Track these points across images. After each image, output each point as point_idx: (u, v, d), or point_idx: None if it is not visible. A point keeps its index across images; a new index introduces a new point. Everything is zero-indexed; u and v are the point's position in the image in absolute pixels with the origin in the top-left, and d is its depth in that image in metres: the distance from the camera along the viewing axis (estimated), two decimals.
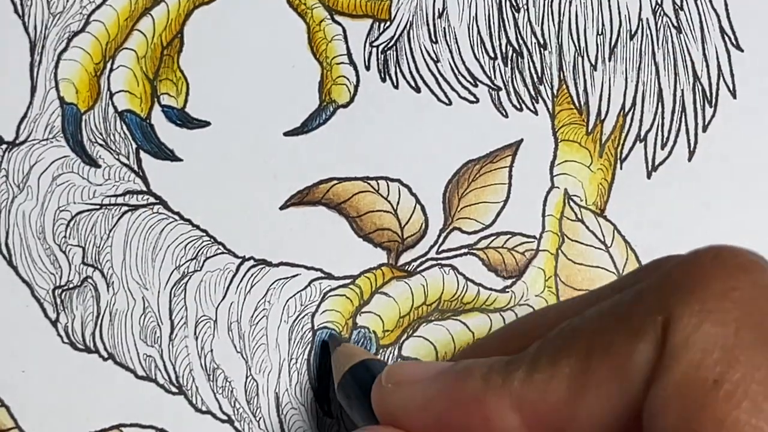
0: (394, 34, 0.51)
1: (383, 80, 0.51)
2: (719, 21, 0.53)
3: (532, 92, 0.52)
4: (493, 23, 0.52)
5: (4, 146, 0.49)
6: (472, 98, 0.52)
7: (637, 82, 0.52)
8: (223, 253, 0.50)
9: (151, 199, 0.50)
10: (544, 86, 0.52)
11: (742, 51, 0.53)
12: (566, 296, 0.51)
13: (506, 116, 0.52)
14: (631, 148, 0.52)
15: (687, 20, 0.53)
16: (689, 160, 0.53)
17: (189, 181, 0.50)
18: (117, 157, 0.50)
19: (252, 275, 0.50)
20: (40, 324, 0.49)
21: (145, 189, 0.50)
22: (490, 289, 0.51)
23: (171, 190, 0.50)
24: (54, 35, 0.50)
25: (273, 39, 0.51)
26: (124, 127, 0.50)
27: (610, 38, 0.52)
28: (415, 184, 0.51)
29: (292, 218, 0.50)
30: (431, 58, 0.51)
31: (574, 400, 0.29)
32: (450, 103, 0.52)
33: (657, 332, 0.27)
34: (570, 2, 0.52)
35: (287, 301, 0.50)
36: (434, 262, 0.51)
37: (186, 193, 0.50)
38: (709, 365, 0.26)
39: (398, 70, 0.51)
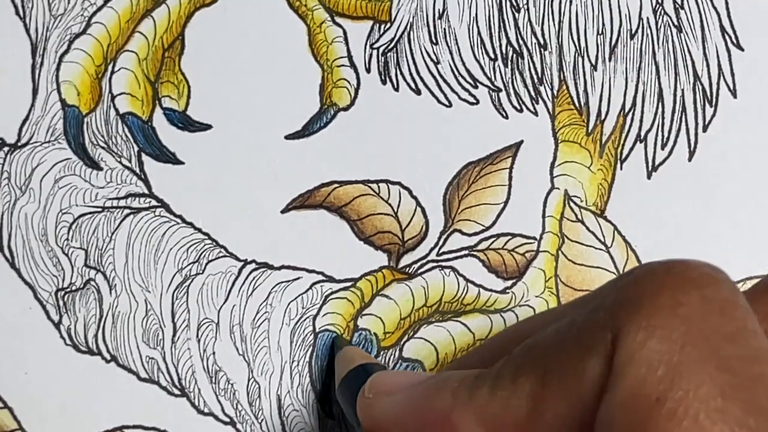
0: (395, 35, 0.51)
1: (384, 83, 0.51)
2: (720, 20, 0.52)
3: (533, 93, 0.51)
4: (493, 24, 0.51)
5: (6, 149, 0.48)
6: (472, 100, 0.51)
7: (638, 82, 0.51)
8: (225, 256, 0.49)
9: (153, 202, 0.49)
10: (544, 87, 0.51)
11: (742, 50, 0.52)
12: (566, 297, 0.51)
13: (506, 117, 0.51)
14: (631, 149, 0.52)
15: (687, 19, 0.52)
16: (689, 159, 0.52)
17: (191, 184, 0.49)
18: (119, 159, 0.49)
19: (254, 278, 0.49)
20: (43, 326, 0.48)
21: (147, 192, 0.49)
22: (491, 291, 0.51)
23: (173, 193, 0.49)
24: (55, 37, 0.49)
25: (274, 41, 0.50)
26: (126, 130, 0.49)
27: (611, 38, 0.51)
28: (415, 186, 0.51)
29: (294, 222, 0.50)
30: (431, 60, 0.51)
31: (534, 416, 0.29)
32: (450, 105, 0.51)
33: (607, 348, 0.27)
34: (570, 2, 0.51)
35: (289, 304, 0.49)
36: (435, 264, 0.50)
37: (188, 196, 0.49)
38: (653, 382, 0.25)
39: (399, 72, 0.51)
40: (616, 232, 0.51)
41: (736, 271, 0.50)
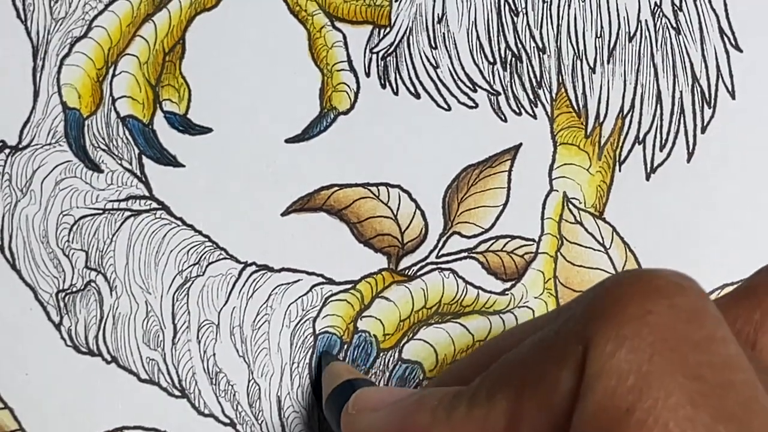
0: (394, 40, 0.50)
1: (383, 87, 0.50)
2: (718, 22, 0.51)
3: (531, 96, 0.51)
4: (492, 28, 0.51)
5: (7, 151, 0.48)
6: (471, 103, 0.50)
7: (636, 84, 0.51)
8: (225, 258, 0.49)
9: (154, 205, 0.49)
10: (543, 90, 0.51)
11: (741, 51, 0.51)
12: (566, 298, 0.50)
13: (505, 121, 0.51)
14: (630, 150, 0.51)
15: (686, 21, 0.51)
16: (688, 161, 0.51)
17: (191, 187, 0.49)
18: (120, 162, 0.48)
19: (254, 280, 0.49)
20: (44, 327, 0.48)
21: (147, 194, 0.49)
22: (490, 292, 0.50)
23: (173, 195, 0.49)
24: (56, 40, 0.48)
25: (274, 45, 0.50)
26: (127, 133, 0.48)
27: (609, 41, 0.51)
28: (415, 189, 0.50)
29: (294, 224, 0.49)
30: (431, 64, 0.50)
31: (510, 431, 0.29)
32: (449, 109, 0.50)
33: (578, 360, 0.27)
34: (569, 5, 0.51)
35: (289, 306, 0.49)
36: (434, 266, 0.50)
37: (188, 198, 0.49)
38: (623, 393, 0.25)
39: (398, 76, 0.50)
40: (614, 233, 0.51)
41: (735, 272, 0.50)
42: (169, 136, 0.49)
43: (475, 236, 0.50)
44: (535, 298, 0.50)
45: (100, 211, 0.48)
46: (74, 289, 0.48)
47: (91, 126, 0.48)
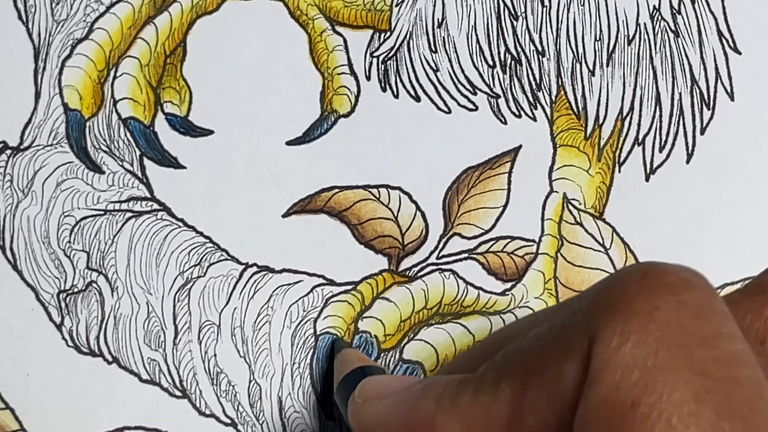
0: (394, 44, 0.50)
1: (384, 90, 0.50)
2: (717, 24, 0.51)
3: (531, 99, 0.50)
4: (492, 32, 0.50)
5: (8, 152, 0.47)
6: (471, 106, 0.50)
7: (635, 86, 0.50)
8: (226, 259, 0.48)
9: (155, 206, 0.48)
10: (543, 93, 0.50)
11: (739, 54, 0.51)
12: (566, 298, 0.49)
13: (505, 123, 0.50)
14: (629, 152, 0.50)
15: (685, 24, 0.51)
16: (687, 162, 0.51)
17: (192, 189, 0.48)
18: (121, 163, 0.48)
19: (255, 281, 0.48)
20: (45, 328, 0.47)
21: (149, 195, 0.48)
22: (490, 293, 0.49)
23: (175, 196, 0.48)
24: (58, 42, 0.48)
25: (275, 49, 0.49)
26: (128, 134, 0.48)
27: (608, 44, 0.50)
28: (415, 191, 0.49)
29: (295, 226, 0.49)
30: (431, 68, 0.50)
31: (515, 420, 0.28)
32: (449, 112, 0.50)
33: (583, 353, 0.27)
34: (568, 9, 0.51)
35: (290, 306, 0.48)
36: (435, 267, 0.49)
37: (190, 200, 0.48)
38: (628, 386, 0.25)
39: (398, 79, 0.50)
40: (614, 233, 0.50)
41: (734, 272, 0.50)
42: (170, 138, 0.48)
43: (475, 237, 0.50)
44: (536, 298, 0.50)
45: (102, 212, 0.48)
46: (75, 290, 0.48)
47: (92, 127, 0.48)
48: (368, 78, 0.50)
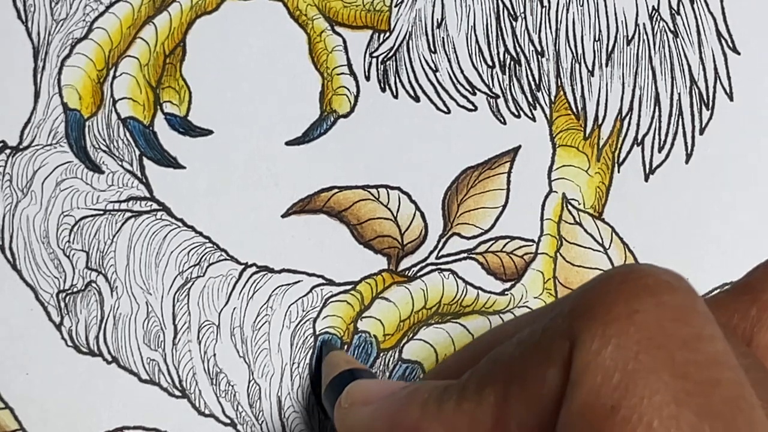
0: (394, 44, 0.50)
1: (383, 90, 0.49)
2: (716, 24, 0.51)
3: (530, 99, 0.50)
4: (491, 32, 0.50)
5: (8, 151, 0.47)
6: (470, 106, 0.50)
7: (634, 86, 0.50)
8: (225, 259, 0.48)
9: (155, 206, 0.48)
10: (542, 93, 0.50)
11: (738, 54, 0.51)
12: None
13: (504, 123, 0.50)
14: (628, 152, 0.50)
15: (684, 24, 0.51)
16: (686, 162, 0.50)
17: (192, 188, 0.48)
18: (120, 163, 0.48)
19: (254, 281, 0.48)
20: (45, 327, 0.47)
21: (148, 195, 0.48)
22: (490, 293, 0.49)
23: (174, 196, 0.48)
24: (57, 41, 0.47)
25: (274, 49, 0.49)
26: (127, 134, 0.48)
27: (607, 44, 0.50)
28: (414, 191, 0.49)
29: (294, 226, 0.48)
30: (430, 68, 0.50)
31: (499, 426, 0.28)
32: (449, 112, 0.50)
33: (564, 357, 0.26)
34: (567, 10, 0.50)
35: (289, 306, 0.48)
36: (434, 267, 0.49)
37: (189, 200, 0.48)
38: (608, 391, 0.25)
39: (398, 80, 0.50)
40: (613, 233, 0.50)
41: (733, 272, 0.49)
42: (169, 138, 0.48)
43: (474, 237, 0.49)
44: (535, 298, 0.49)
45: (101, 212, 0.47)
46: (75, 290, 0.47)
47: (91, 127, 0.48)
48: (367, 78, 0.50)
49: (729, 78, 0.51)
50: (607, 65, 0.50)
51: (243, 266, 0.48)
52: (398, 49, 0.50)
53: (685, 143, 0.50)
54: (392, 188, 0.49)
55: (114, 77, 0.48)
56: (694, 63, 0.50)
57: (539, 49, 0.50)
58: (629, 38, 0.50)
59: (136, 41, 0.48)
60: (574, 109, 0.50)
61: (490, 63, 0.50)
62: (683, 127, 0.50)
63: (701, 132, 0.51)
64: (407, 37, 0.50)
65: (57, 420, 0.47)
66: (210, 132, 0.48)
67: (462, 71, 0.50)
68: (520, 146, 0.50)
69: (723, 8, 0.51)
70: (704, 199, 0.50)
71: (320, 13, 0.50)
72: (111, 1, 0.48)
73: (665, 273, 0.27)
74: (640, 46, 0.50)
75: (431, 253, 0.49)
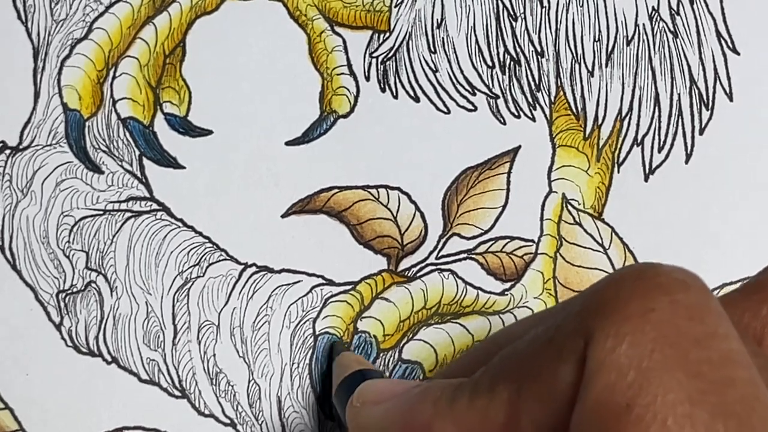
0: (394, 44, 0.50)
1: (383, 90, 0.49)
2: (716, 25, 0.50)
3: (530, 99, 0.50)
4: (491, 32, 0.50)
5: (7, 151, 0.47)
6: (470, 106, 0.49)
7: (634, 87, 0.50)
8: (225, 259, 0.48)
9: (155, 206, 0.48)
10: (542, 93, 0.50)
11: (738, 54, 0.50)
12: (565, 298, 0.49)
13: (504, 123, 0.50)
14: (628, 152, 0.50)
15: (683, 25, 0.50)
16: (686, 162, 0.50)
17: (192, 189, 0.48)
18: (120, 163, 0.48)
19: (254, 281, 0.48)
20: (44, 328, 0.47)
21: (148, 195, 0.47)
22: (489, 293, 0.49)
23: (174, 197, 0.48)
24: (57, 42, 0.47)
25: (274, 49, 0.49)
26: (127, 134, 0.48)
27: (607, 44, 0.50)
28: (414, 191, 0.49)
29: (294, 226, 0.48)
30: (430, 68, 0.50)
31: (512, 423, 0.28)
32: (448, 112, 0.49)
33: (579, 355, 0.26)
34: (567, 10, 0.50)
35: (289, 306, 0.48)
36: (434, 267, 0.49)
37: (189, 200, 0.48)
38: (622, 388, 0.25)
39: (398, 80, 0.49)
40: (613, 234, 0.49)
41: (733, 272, 0.49)
42: (169, 138, 0.48)
43: (474, 237, 0.49)
44: (535, 298, 0.49)
45: (101, 212, 0.47)
46: (75, 290, 0.47)
47: (91, 127, 0.47)
48: (367, 78, 0.49)
49: (729, 78, 0.50)
50: (606, 65, 0.50)
51: (243, 266, 0.48)
52: (398, 49, 0.49)
53: (685, 143, 0.50)
54: (392, 188, 0.49)
55: (114, 77, 0.48)
56: (694, 63, 0.50)
57: (539, 49, 0.50)
58: (629, 39, 0.50)
59: (136, 41, 0.48)
60: (574, 110, 0.50)
61: (490, 63, 0.50)
62: (683, 128, 0.50)
63: (701, 132, 0.50)
64: (407, 37, 0.49)
65: (57, 420, 0.46)
66: (210, 132, 0.48)
67: (462, 71, 0.50)
68: (520, 146, 0.50)
69: (723, 9, 0.51)
70: (704, 199, 0.50)
71: (320, 13, 0.49)
72: (111, 2, 0.48)
73: (679, 271, 0.27)
74: (639, 47, 0.50)
75: (431, 253, 0.49)
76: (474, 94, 0.50)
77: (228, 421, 0.47)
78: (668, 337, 0.25)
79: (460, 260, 0.49)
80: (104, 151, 0.47)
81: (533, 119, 0.50)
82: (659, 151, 0.50)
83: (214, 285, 0.48)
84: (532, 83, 0.50)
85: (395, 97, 0.49)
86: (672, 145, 0.50)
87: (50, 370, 0.47)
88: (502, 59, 0.50)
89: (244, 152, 0.48)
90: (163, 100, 0.48)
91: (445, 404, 0.30)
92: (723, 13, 0.51)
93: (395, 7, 0.49)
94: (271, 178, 0.48)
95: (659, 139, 0.50)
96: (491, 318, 0.49)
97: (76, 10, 0.48)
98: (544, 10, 0.50)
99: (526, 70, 0.50)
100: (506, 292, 0.49)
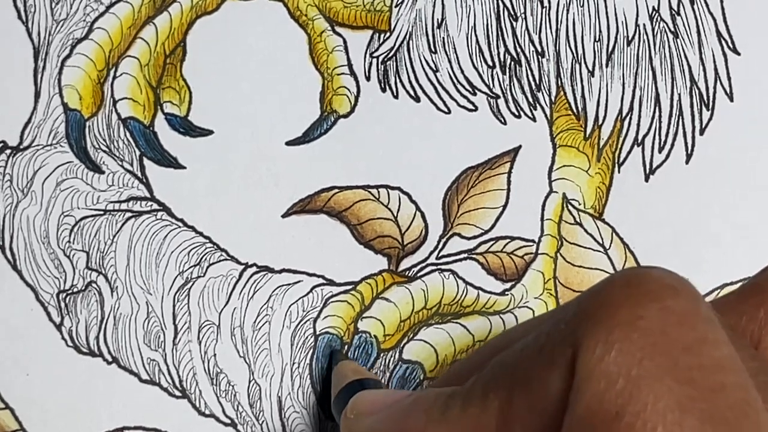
0: (394, 44, 0.49)
1: (383, 90, 0.49)
2: (716, 25, 0.50)
3: (530, 99, 0.50)
4: (491, 32, 0.50)
5: (8, 151, 0.46)
6: (470, 106, 0.49)
7: (635, 87, 0.50)
8: (226, 259, 0.48)
9: (155, 206, 0.48)
10: (542, 93, 0.50)
11: (738, 54, 0.50)
12: (565, 298, 0.49)
13: (505, 123, 0.49)
14: (628, 152, 0.50)
15: (684, 25, 0.50)
16: (687, 162, 0.50)
17: (192, 189, 0.47)
18: (120, 163, 0.47)
19: (255, 281, 0.48)
20: (45, 328, 0.46)
21: (148, 195, 0.47)
22: (490, 293, 0.49)
23: (174, 196, 0.47)
24: (57, 42, 0.47)
25: (274, 49, 0.48)
26: (128, 134, 0.47)
27: (607, 44, 0.50)
28: (415, 191, 0.49)
29: (294, 226, 0.48)
30: (430, 68, 0.49)
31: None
32: (449, 112, 0.49)
33: (568, 363, 0.26)
34: (567, 10, 0.50)
35: (289, 306, 0.48)
36: (434, 268, 0.49)
37: (189, 200, 0.47)
38: (612, 397, 0.24)
39: (398, 80, 0.49)
40: (614, 234, 0.49)
41: (733, 272, 0.49)
42: (170, 138, 0.48)
43: (475, 237, 0.49)
44: (535, 298, 0.49)
45: (101, 212, 0.47)
46: (75, 290, 0.47)
47: (92, 127, 0.47)
48: (368, 78, 0.49)
49: (729, 78, 0.50)
50: (607, 66, 0.50)
51: (243, 266, 0.48)
52: (398, 49, 0.49)
53: (686, 143, 0.50)
54: (392, 188, 0.49)
55: (114, 77, 0.47)
56: (695, 63, 0.50)
57: (539, 49, 0.50)
58: (629, 39, 0.50)
59: (137, 41, 0.48)
60: (575, 110, 0.50)
61: (491, 63, 0.50)
62: (683, 128, 0.50)
63: (701, 132, 0.50)
64: (407, 37, 0.49)
65: (57, 420, 0.46)
66: (210, 132, 0.48)
67: (462, 71, 0.49)
68: (520, 146, 0.50)
69: (723, 9, 0.50)
70: (704, 199, 0.50)
71: (320, 13, 0.49)
72: (111, 2, 0.48)
73: (669, 277, 0.27)
74: (640, 47, 0.50)
75: (431, 253, 0.49)
76: (474, 94, 0.49)
77: (228, 421, 0.47)
78: (657, 344, 0.25)
79: (460, 260, 0.49)
80: (105, 151, 0.47)
81: (534, 119, 0.50)
82: (660, 151, 0.50)
83: (214, 285, 0.47)
84: (533, 83, 0.50)
85: (396, 97, 0.49)
86: (672, 145, 0.50)
87: (51, 370, 0.46)
88: (502, 59, 0.50)
89: (245, 152, 0.48)
90: (163, 100, 0.48)
91: (437, 413, 0.30)
92: (723, 13, 0.50)
93: (396, 6, 0.49)
94: (271, 178, 0.48)
95: (660, 139, 0.50)
96: (492, 318, 0.49)
97: (76, 10, 0.47)
98: (544, 10, 0.50)
99: (526, 70, 0.50)
100: (507, 292, 0.49)
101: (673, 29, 0.50)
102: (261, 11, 0.49)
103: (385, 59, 0.49)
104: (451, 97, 0.49)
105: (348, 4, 0.49)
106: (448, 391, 0.31)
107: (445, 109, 0.49)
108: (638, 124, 0.50)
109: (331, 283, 0.48)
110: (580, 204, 0.49)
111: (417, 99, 0.49)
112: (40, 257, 0.47)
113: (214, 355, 0.47)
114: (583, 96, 0.50)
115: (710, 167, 0.50)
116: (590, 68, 0.50)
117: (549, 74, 0.50)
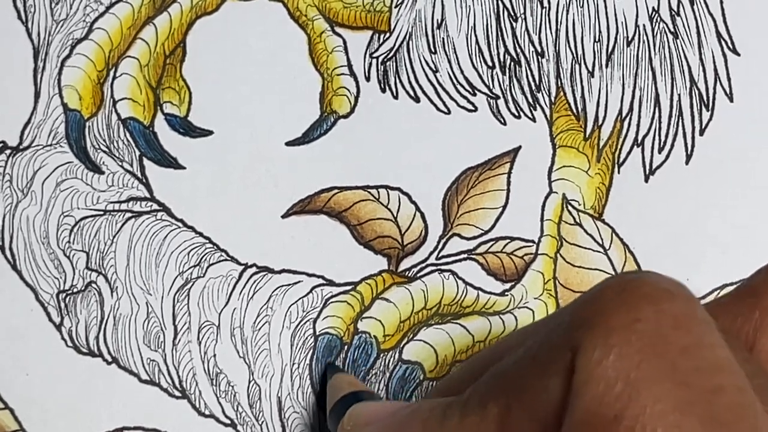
0: (394, 45, 0.49)
1: (383, 91, 0.49)
2: (716, 25, 0.50)
3: (530, 100, 0.50)
4: (491, 33, 0.50)
5: (8, 151, 0.46)
6: (470, 107, 0.49)
7: (634, 87, 0.50)
8: (226, 260, 0.48)
9: (155, 206, 0.48)
10: (542, 94, 0.50)
11: (738, 55, 0.50)
12: (565, 298, 0.49)
13: (504, 124, 0.49)
14: (628, 153, 0.49)
15: (684, 25, 0.50)
16: (686, 163, 0.50)
17: (192, 189, 0.47)
18: (120, 163, 0.47)
19: (254, 282, 0.47)
20: (45, 328, 0.46)
21: (148, 196, 0.47)
22: (490, 293, 0.49)
23: (174, 197, 0.47)
24: (57, 42, 0.47)
25: (274, 50, 0.48)
26: (128, 135, 0.47)
27: (607, 45, 0.50)
28: (415, 191, 0.49)
29: (294, 226, 0.48)
30: (430, 69, 0.49)
31: None
32: (449, 112, 0.49)
33: (566, 368, 0.26)
34: (567, 11, 0.50)
35: (289, 307, 0.47)
36: (434, 268, 0.48)
37: (189, 200, 0.47)
38: (610, 400, 0.24)
39: (398, 80, 0.49)
40: (614, 234, 0.49)
41: (733, 273, 0.49)
42: (169, 139, 0.48)
43: (474, 238, 0.49)
44: (535, 299, 0.49)
45: (101, 213, 0.47)
46: (75, 290, 0.47)
47: (92, 127, 0.47)
48: (368, 79, 0.49)
49: (729, 79, 0.50)
50: (607, 66, 0.50)
51: (243, 267, 0.48)
52: (398, 49, 0.49)
53: (685, 144, 0.50)
54: (392, 189, 0.49)
55: (114, 78, 0.47)
56: (694, 64, 0.50)
57: (539, 49, 0.50)
58: (629, 39, 0.50)
59: (137, 42, 0.48)
60: (574, 110, 0.50)
61: (490, 64, 0.49)
62: (683, 128, 0.50)
63: (701, 133, 0.50)
64: (407, 37, 0.49)
65: (57, 420, 0.46)
66: (210, 132, 0.48)
67: (462, 72, 0.49)
68: (520, 147, 0.49)
69: (723, 9, 0.50)
70: (704, 199, 0.50)
71: (320, 13, 0.49)
72: (111, 2, 0.48)
73: (664, 281, 0.27)
74: (640, 47, 0.50)
75: (431, 253, 0.49)
76: (474, 95, 0.49)
77: (228, 422, 0.47)
78: (655, 347, 0.25)
79: (460, 261, 0.49)
80: (104, 152, 0.47)
81: (533, 120, 0.50)
82: (659, 152, 0.50)
83: (214, 285, 0.47)
84: (533, 83, 0.50)
85: (395, 97, 0.49)
86: (672, 145, 0.50)
87: (50, 371, 0.46)
88: (502, 59, 0.50)
89: (245, 153, 0.48)
90: (163, 100, 0.48)
91: (435, 424, 0.30)
92: (723, 14, 0.50)
93: (395, 7, 0.49)
94: (271, 179, 0.48)
95: (659, 140, 0.50)
96: (491, 318, 0.49)
97: (76, 10, 0.47)
98: (544, 10, 0.50)
99: (526, 70, 0.50)
100: (506, 293, 0.49)
101: (672, 30, 0.50)
102: (261, 11, 0.49)
103: (385, 60, 0.49)
104: (451, 98, 0.49)
105: (348, 4, 0.49)
106: (445, 402, 0.31)
107: (445, 110, 0.49)
108: (638, 125, 0.50)
109: (330, 283, 0.48)
110: (579, 204, 0.49)
111: (417, 99, 0.49)
112: (39, 257, 0.47)
113: (214, 355, 0.47)
114: (582, 96, 0.50)
115: (710, 168, 0.50)
116: (590, 69, 0.50)
117: (549, 75, 0.50)
